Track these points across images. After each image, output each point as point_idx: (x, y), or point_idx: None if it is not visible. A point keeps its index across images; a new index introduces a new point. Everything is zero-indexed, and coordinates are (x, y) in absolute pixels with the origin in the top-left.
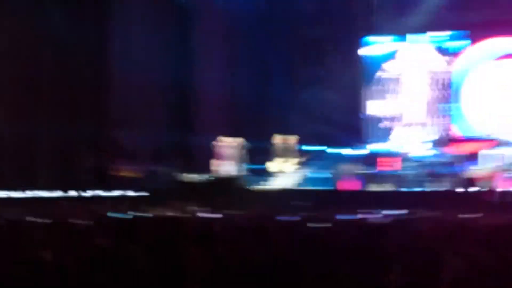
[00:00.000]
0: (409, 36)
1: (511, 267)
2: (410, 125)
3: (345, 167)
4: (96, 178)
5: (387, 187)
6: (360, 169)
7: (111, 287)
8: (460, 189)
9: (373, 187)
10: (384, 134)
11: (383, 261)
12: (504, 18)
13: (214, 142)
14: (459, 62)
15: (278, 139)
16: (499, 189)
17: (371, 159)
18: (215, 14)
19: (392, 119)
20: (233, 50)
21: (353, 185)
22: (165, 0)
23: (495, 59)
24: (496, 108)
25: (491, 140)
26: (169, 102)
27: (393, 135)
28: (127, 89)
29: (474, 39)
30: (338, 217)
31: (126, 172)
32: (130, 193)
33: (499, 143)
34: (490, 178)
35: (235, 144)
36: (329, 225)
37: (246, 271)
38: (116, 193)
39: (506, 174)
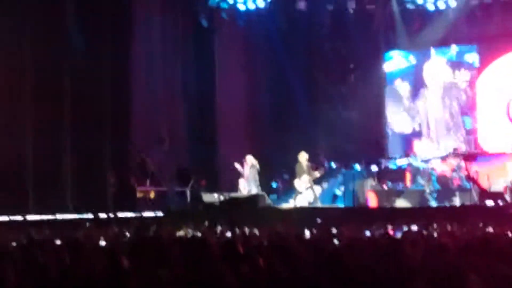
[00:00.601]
0: (430, 51)
1: None
2: (433, 140)
3: (371, 183)
4: (121, 199)
5: (413, 203)
6: (386, 185)
7: None
8: (485, 203)
9: (399, 203)
10: (409, 150)
11: (410, 278)
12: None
13: (236, 162)
14: (482, 77)
15: (302, 157)
16: None
17: (396, 175)
18: (236, 33)
19: (416, 134)
20: (254, 69)
21: (379, 201)
22: (186, 20)
23: None
24: None
25: None
26: (191, 121)
27: (417, 150)
28: (150, 110)
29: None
30: (366, 233)
31: (150, 192)
32: (155, 213)
33: None
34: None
35: (257, 162)
36: (355, 241)
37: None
38: (141, 213)
39: None
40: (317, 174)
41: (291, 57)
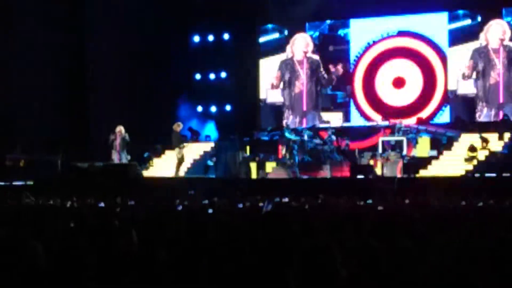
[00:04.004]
0: (303, 25)
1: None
2: (305, 112)
3: (243, 155)
4: None
5: (285, 174)
6: (258, 157)
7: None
8: (355, 176)
9: (272, 174)
10: (281, 122)
11: (282, 251)
12: None
13: (107, 132)
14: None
15: (177, 127)
16: (393, 176)
17: (269, 147)
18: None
19: (289, 106)
20: (127, 38)
21: (250, 172)
22: None
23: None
24: (388, 97)
25: (386, 128)
26: (63, 91)
27: (289, 123)
28: (22, 80)
29: None
30: (238, 205)
31: (20, 161)
32: (25, 182)
33: (392, 131)
34: (380, 164)
35: (124, 133)
36: (229, 213)
37: (144, 263)
38: (11, 182)
39: (402, 161)
40: (184, 145)
41: (163, 25)
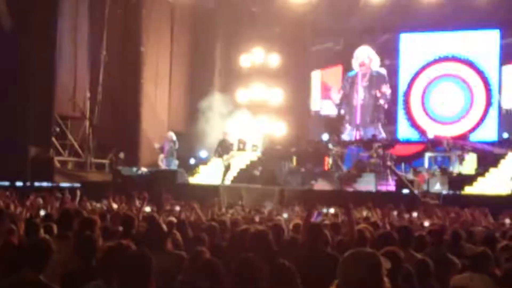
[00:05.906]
0: (358, 37)
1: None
2: (357, 126)
3: (290, 165)
4: (41, 169)
5: (330, 186)
6: (304, 167)
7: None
8: (401, 191)
9: (317, 186)
10: (330, 134)
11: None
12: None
13: (156, 137)
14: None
15: (226, 134)
16: (439, 192)
17: (315, 157)
18: (163, 10)
19: (340, 119)
20: (179, 46)
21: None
22: None
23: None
24: (434, 112)
25: (434, 143)
26: (114, 96)
27: (340, 135)
28: (72, 85)
29: None
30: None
31: (68, 163)
32: (72, 184)
33: (439, 147)
34: (426, 179)
35: (173, 139)
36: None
37: (195, 271)
38: (58, 184)
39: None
40: (233, 154)
41: (215, 35)
